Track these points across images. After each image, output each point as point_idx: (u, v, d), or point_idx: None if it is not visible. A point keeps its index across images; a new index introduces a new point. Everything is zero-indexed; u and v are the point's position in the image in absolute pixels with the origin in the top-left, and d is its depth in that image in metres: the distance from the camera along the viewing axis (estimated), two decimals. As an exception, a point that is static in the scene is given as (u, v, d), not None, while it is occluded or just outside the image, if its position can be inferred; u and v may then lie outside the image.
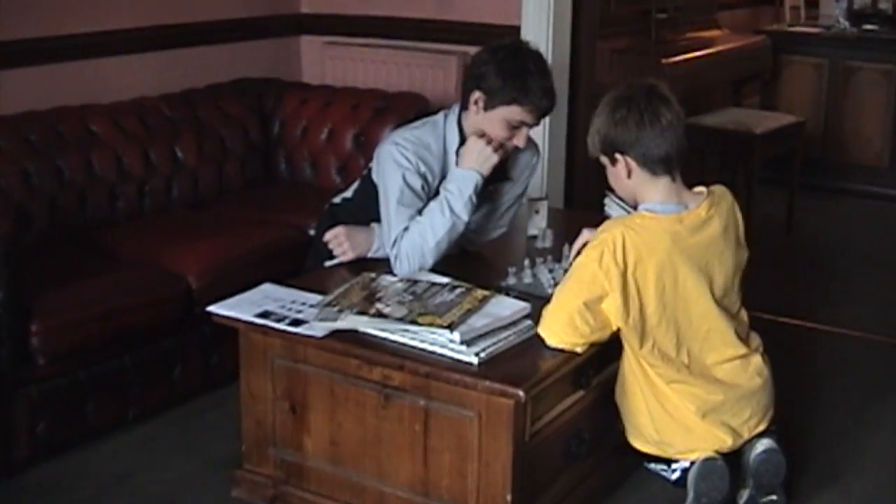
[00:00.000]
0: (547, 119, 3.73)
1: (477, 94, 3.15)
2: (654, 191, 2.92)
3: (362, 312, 2.86)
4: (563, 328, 2.79)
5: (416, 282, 3.04)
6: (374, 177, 3.29)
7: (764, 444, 2.97)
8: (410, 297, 2.93)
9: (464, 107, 3.23)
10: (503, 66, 3.11)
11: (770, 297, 4.57)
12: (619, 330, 2.85)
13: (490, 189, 3.33)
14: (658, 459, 3.00)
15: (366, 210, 3.32)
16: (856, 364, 4.22)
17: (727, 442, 2.94)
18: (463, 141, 3.22)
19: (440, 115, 3.33)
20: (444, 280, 3.05)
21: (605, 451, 3.11)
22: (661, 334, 2.85)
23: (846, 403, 3.85)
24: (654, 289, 2.81)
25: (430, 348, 2.75)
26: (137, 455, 3.45)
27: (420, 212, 3.17)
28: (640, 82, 2.97)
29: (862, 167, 6.72)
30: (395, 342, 2.79)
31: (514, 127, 3.15)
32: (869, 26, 6.97)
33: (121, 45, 4.50)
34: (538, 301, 2.94)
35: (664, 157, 2.88)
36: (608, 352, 2.93)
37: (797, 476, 3.22)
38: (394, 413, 2.83)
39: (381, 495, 2.91)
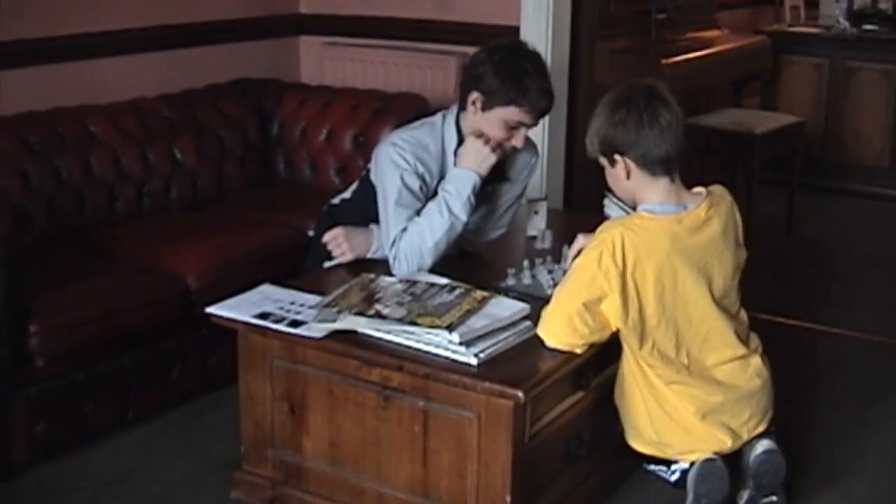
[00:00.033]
0: (546, 119, 3.73)
1: (475, 95, 3.14)
2: (653, 192, 2.91)
3: (361, 313, 2.85)
4: (562, 329, 2.79)
5: (415, 283, 3.04)
6: (373, 178, 3.29)
7: (764, 444, 2.97)
8: (409, 298, 2.93)
9: (462, 107, 3.22)
10: (501, 67, 3.10)
11: (770, 297, 4.57)
12: (618, 331, 2.85)
13: (488, 190, 3.33)
14: (657, 461, 2.99)
15: (365, 211, 3.32)
16: (856, 365, 4.21)
17: (726, 443, 2.94)
18: (461, 141, 3.22)
19: (438, 116, 3.33)
20: (444, 281, 3.04)
21: (604, 452, 3.10)
22: (661, 335, 2.85)
23: (846, 404, 3.85)
24: (654, 290, 2.81)
25: (430, 349, 2.74)
26: (136, 456, 3.45)
27: (418, 212, 3.16)
28: (639, 83, 2.97)
29: (862, 167, 6.72)
30: (394, 343, 2.79)
31: (512, 127, 3.15)
32: (869, 26, 6.97)
33: (119, 46, 4.50)
34: (537, 302, 2.93)
35: (663, 158, 2.88)
36: (608, 353, 2.93)
37: (797, 477, 3.22)
38: (393, 414, 2.83)
39: (381, 496, 2.91)
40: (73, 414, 3.40)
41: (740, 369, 2.98)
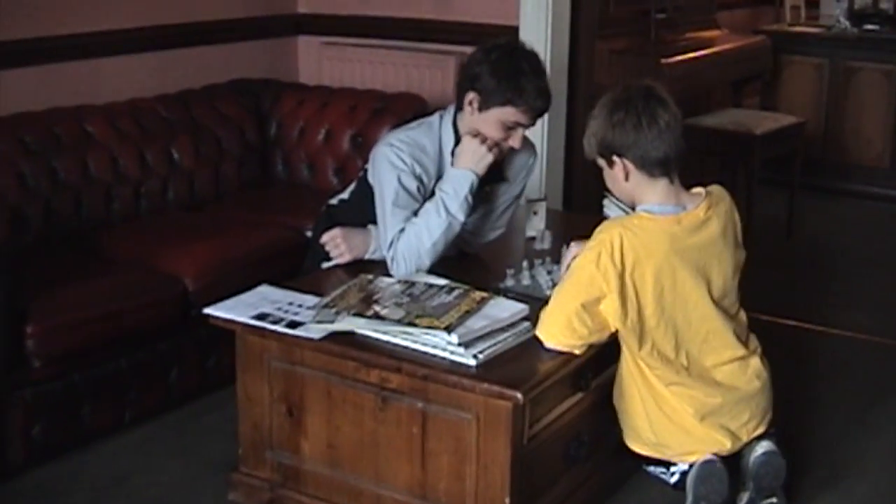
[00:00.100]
0: (545, 120, 3.72)
1: (471, 95, 3.13)
2: (652, 193, 2.90)
3: (360, 314, 2.84)
4: (560, 330, 2.77)
5: (413, 283, 3.03)
6: (370, 178, 3.28)
7: (764, 446, 2.96)
8: (408, 299, 2.92)
9: (459, 107, 3.21)
10: (497, 67, 3.09)
11: (770, 298, 4.56)
12: (617, 332, 2.84)
13: (486, 190, 3.31)
14: (657, 462, 2.98)
15: (363, 211, 3.31)
16: (856, 366, 4.21)
17: (726, 445, 2.92)
18: (458, 141, 3.20)
19: (435, 116, 3.32)
20: (442, 282, 3.03)
21: (604, 453, 3.09)
22: (660, 336, 2.84)
23: (846, 405, 3.84)
24: (653, 290, 2.80)
25: (428, 350, 2.73)
26: (134, 458, 3.44)
27: (416, 213, 3.15)
28: (637, 84, 2.96)
29: (862, 168, 6.71)
30: (392, 344, 2.78)
31: (509, 128, 3.13)
32: (870, 26, 6.96)
33: (117, 46, 4.49)
34: (536, 303, 2.92)
35: (662, 160, 2.87)
36: (607, 354, 2.92)
37: (797, 478, 3.21)
38: (391, 415, 2.81)
39: (379, 498, 2.90)
40: (70, 416, 3.39)
41: (740, 371, 2.97)
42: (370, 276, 3.10)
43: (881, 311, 4.77)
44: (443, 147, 3.24)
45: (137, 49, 4.58)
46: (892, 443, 3.58)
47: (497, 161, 3.21)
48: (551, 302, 2.84)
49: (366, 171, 3.36)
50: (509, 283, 3.18)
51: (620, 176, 2.92)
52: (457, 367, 2.68)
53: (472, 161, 3.13)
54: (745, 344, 3.01)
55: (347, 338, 2.82)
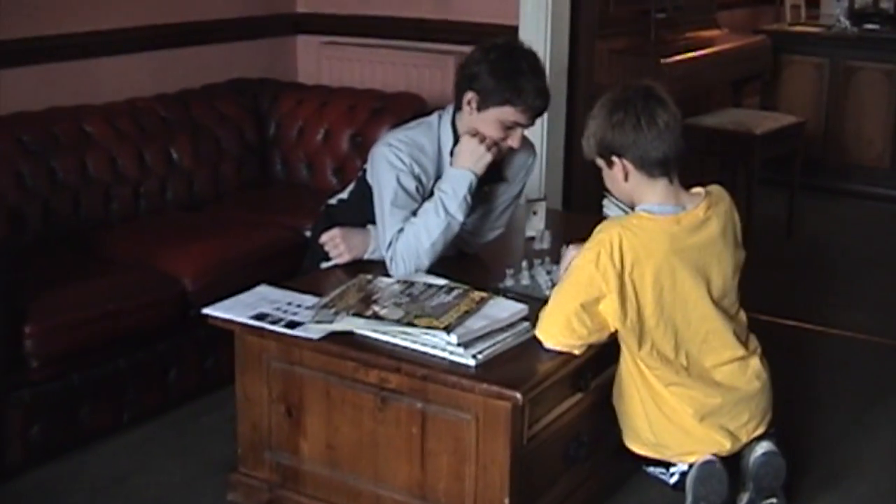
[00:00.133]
0: (545, 119, 3.71)
1: (470, 95, 3.12)
2: (651, 193, 2.89)
3: (359, 314, 2.84)
4: (560, 330, 2.77)
5: (412, 283, 3.02)
6: (369, 178, 3.27)
7: (764, 446, 2.95)
8: (407, 299, 2.91)
9: (457, 107, 3.20)
10: (496, 67, 3.08)
11: (770, 298, 4.56)
12: (616, 332, 2.83)
13: (485, 190, 3.31)
14: (657, 462, 2.98)
15: (362, 211, 3.30)
16: (856, 366, 4.20)
17: (725, 446, 2.92)
18: (457, 141, 3.20)
19: (434, 116, 3.31)
20: (442, 282, 3.03)
21: (603, 454, 3.09)
22: (660, 336, 2.83)
23: (846, 405, 3.83)
24: (652, 290, 2.79)
25: (428, 350, 2.73)
26: (133, 459, 3.43)
27: (415, 213, 3.14)
28: (636, 84, 2.95)
29: (863, 168, 6.70)
30: (391, 344, 2.77)
31: (507, 127, 3.13)
32: (870, 26, 6.95)
33: (115, 45, 4.48)
34: (536, 303, 2.92)
35: (662, 160, 2.86)
36: (607, 354, 2.91)
37: (797, 479, 3.20)
38: (390, 416, 2.81)
39: (378, 499, 2.89)
40: (68, 417, 3.38)
41: (739, 371, 2.96)
42: (369, 277, 3.09)
43: (881, 311, 4.77)
44: (441, 147, 3.23)
45: (136, 49, 4.58)
46: (892, 443, 3.58)
47: (496, 161, 3.20)
48: (550, 302, 2.83)
49: (365, 170, 3.35)
50: (509, 283, 3.18)
51: (620, 176, 2.92)
52: (456, 368, 2.67)
53: (470, 161, 3.13)
54: (745, 344, 3.01)
55: (346, 338, 2.81)
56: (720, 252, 2.92)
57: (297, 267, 3.56)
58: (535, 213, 3.69)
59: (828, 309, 4.76)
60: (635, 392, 2.91)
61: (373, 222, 3.27)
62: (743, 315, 3.06)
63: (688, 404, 2.87)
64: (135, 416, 3.57)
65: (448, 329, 2.72)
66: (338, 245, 3.32)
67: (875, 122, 6.65)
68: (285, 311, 2.95)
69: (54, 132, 4.01)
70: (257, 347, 2.99)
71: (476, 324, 2.78)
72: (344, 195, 3.52)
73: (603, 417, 3.00)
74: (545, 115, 3.27)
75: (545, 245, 3.58)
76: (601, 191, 3.10)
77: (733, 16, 7.11)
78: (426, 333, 2.74)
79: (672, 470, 2.94)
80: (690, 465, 2.89)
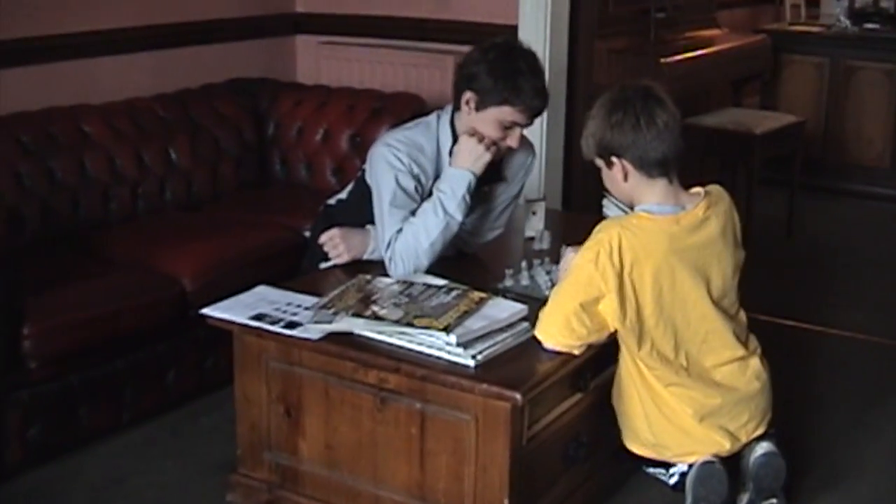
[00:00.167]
0: (544, 119, 3.71)
1: (468, 95, 3.12)
2: (650, 193, 2.89)
3: (358, 315, 2.83)
4: (559, 330, 2.76)
5: (412, 284, 3.02)
6: (368, 179, 3.27)
7: (764, 447, 2.95)
8: (406, 300, 2.91)
9: (456, 107, 3.20)
10: (494, 66, 3.08)
11: (770, 298, 4.55)
12: (616, 332, 2.82)
13: (484, 190, 3.30)
14: (656, 463, 2.97)
15: (361, 212, 3.30)
16: (856, 366, 4.20)
17: (725, 446, 2.91)
18: (456, 141, 3.19)
19: (433, 116, 3.30)
20: (441, 282, 3.02)
21: (603, 454, 3.08)
22: (659, 336, 2.83)
23: (846, 405, 3.83)
24: (651, 290, 2.79)
25: (427, 351, 2.72)
26: (132, 459, 3.43)
27: (414, 213, 3.14)
28: (635, 84, 2.95)
29: (863, 168, 6.70)
30: (390, 345, 2.77)
31: (506, 127, 3.12)
32: (870, 25, 6.95)
33: (114, 45, 4.47)
34: (535, 303, 2.91)
35: (661, 160, 2.86)
36: (606, 354, 2.91)
37: (797, 479, 3.20)
38: (390, 416, 2.80)
39: (377, 499, 2.89)
40: (67, 417, 3.37)
41: (739, 371, 2.95)
42: (368, 277, 3.09)
43: (881, 311, 4.76)
44: (440, 147, 3.23)
45: (135, 49, 4.57)
46: (892, 443, 3.57)
47: (495, 161, 3.20)
48: (550, 302, 2.83)
49: (364, 171, 3.35)
50: (508, 283, 3.17)
51: (619, 176, 2.91)
52: (455, 368, 2.67)
53: (469, 160, 3.12)
54: (745, 344, 3.00)
55: (345, 338, 2.80)
56: (720, 252, 2.92)
57: (297, 267, 3.55)
58: (534, 213, 3.68)
59: (828, 309, 4.75)
60: (635, 392, 2.90)
61: (372, 222, 3.26)
62: (743, 315, 3.05)
63: (687, 405, 2.87)
64: (134, 416, 3.57)
65: (447, 329, 2.71)
66: (337, 245, 3.31)
67: (875, 121, 6.65)
68: (284, 312, 2.95)
69: (53, 132, 4.01)
70: (256, 348, 2.99)
71: (475, 324, 2.78)
72: (343, 195, 3.51)
73: (602, 418, 3.00)
74: (544, 115, 3.27)
75: (544, 245, 3.57)
76: (600, 191, 3.09)
77: (733, 15, 7.11)
78: (425, 334, 2.73)
79: (672, 470, 2.94)
80: (690, 466, 2.88)
